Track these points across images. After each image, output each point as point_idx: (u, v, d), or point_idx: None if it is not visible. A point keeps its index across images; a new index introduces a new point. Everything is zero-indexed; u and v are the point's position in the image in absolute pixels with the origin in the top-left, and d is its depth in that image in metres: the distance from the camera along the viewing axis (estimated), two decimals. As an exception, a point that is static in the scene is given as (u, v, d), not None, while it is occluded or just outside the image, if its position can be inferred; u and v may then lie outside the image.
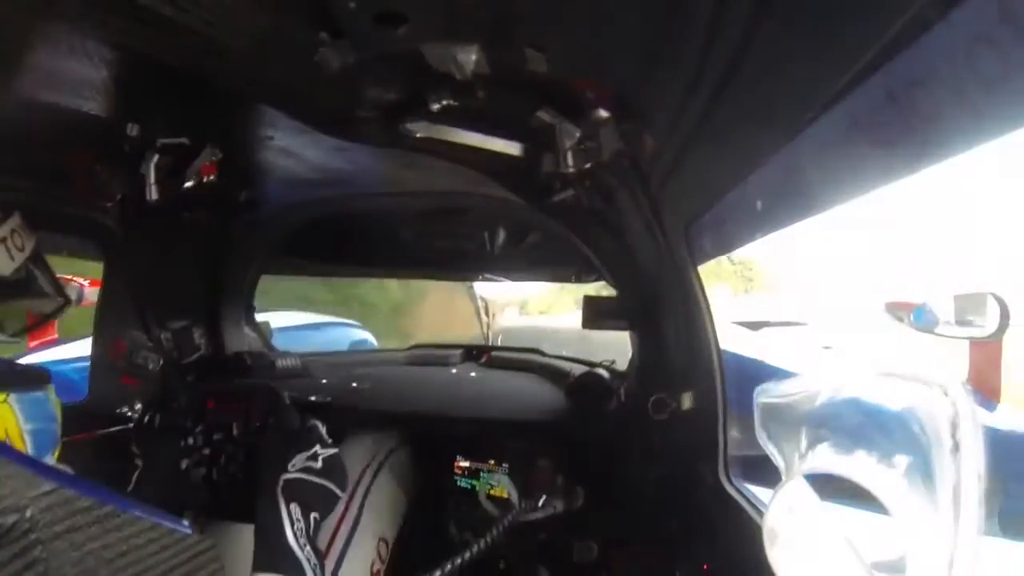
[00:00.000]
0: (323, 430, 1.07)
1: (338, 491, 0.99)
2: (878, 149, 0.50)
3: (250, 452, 1.16)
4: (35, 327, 0.89)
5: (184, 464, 1.26)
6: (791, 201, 0.76)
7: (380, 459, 1.29)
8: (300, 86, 0.79)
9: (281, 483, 0.92)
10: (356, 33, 0.68)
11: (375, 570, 1.14)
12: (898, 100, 0.44)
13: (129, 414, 1.35)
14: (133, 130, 1.04)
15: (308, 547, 0.87)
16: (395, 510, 1.28)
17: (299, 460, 0.96)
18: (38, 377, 0.87)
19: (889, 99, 0.45)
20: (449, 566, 0.90)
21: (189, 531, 0.45)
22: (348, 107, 0.89)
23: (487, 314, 2.50)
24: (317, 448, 0.98)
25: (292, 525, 0.87)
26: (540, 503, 1.11)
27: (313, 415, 1.31)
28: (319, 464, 0.97)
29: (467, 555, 0.95)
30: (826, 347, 3.30)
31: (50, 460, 0.97)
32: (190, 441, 1.27)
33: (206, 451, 1.24)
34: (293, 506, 0.90)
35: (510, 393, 1.71)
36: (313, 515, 0.92)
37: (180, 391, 1.36)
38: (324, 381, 1.72)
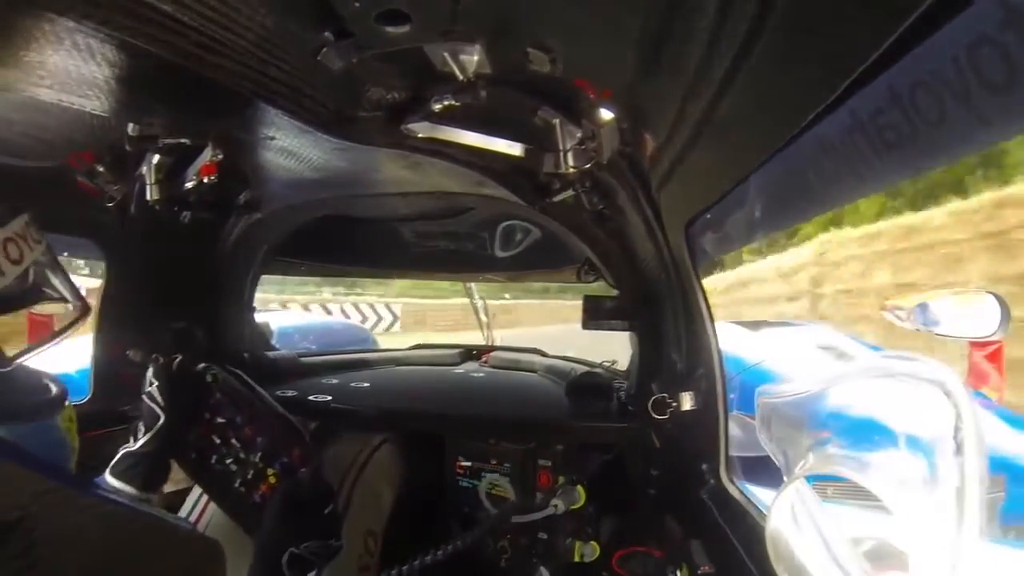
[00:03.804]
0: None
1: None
2: (880, 150, 0.50)
3: (255, 473, 1.15)
4: (48, 340, 0.83)
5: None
6: (791, 201, 0.76)
7: (366, 455, 1.31)
8: (302, 85, 0.79)
9: (288, 555, 0.97)
10: (359, 32, 0.68)
11: (363, 563, 1.15)
12: (901, 102, 0.44)
13: (130, 413, 1.34)
14: (134, 129, 1.04)
15: None
16: (381, 504, 1.31)
17: (314, 545, 1.00)
18: (36, 407, 0.76)
19: (892, 101, 0.45)
20: (436, 554, 0.91)
21: (191, 529, 0.45)
22: (350, 107, 0.89)
23: (486, 315, 2.49)
24: (333, 541, 1.03)
25: None
26: (540, 503, 1.11)
27: (312, 416, 1.30)
28: (329, 552, 1.03)
29: (456, 544, 0.95)
30: (826, 347, 3.30)
31: None
32: (205, 415, 1.22)
33: (214, 438, 1.22)
34: (294, 570, 0.97)
35: (511, 393, 1.71)
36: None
37: (205, 371, 1.30)
38: (324, 381, 1.72)
